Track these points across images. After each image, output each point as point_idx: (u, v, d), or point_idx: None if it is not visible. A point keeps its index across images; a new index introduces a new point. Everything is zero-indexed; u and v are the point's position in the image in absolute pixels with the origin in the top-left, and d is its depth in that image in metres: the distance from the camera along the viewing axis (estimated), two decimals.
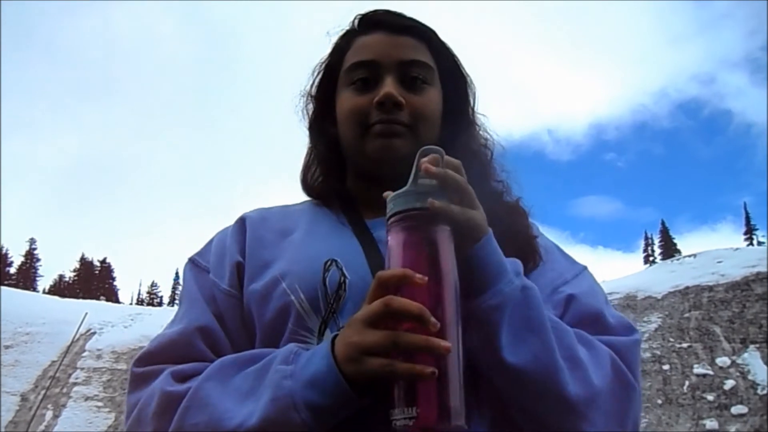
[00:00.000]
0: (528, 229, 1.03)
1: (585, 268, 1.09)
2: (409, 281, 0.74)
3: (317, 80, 1.11)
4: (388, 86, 0.98)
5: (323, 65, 1.11)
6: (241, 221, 1.08)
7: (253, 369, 0.84)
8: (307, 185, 1.12)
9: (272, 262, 0.98)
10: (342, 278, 0.91)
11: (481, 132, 1.10)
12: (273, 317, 0.92)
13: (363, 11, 1.08)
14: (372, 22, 1.06)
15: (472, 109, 1.10)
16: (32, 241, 57.05)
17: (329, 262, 0.92)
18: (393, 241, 0.80)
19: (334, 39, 1.11)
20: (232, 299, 0.98)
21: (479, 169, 1.02)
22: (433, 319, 0.73)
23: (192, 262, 1.08)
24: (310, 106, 1.12)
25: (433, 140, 0.99)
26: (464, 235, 0.82)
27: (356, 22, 1.09)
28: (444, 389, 0.73)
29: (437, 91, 1.04)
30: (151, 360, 0.96)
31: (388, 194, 0.82)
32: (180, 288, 1.13)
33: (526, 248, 0.98)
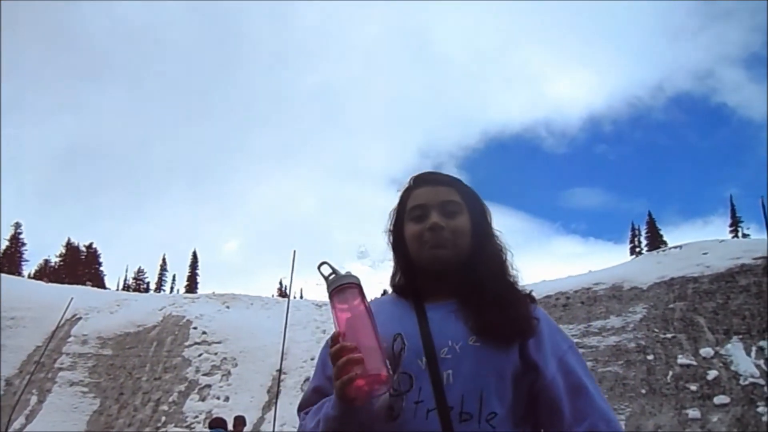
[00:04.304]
0: (530, 313, 1.56)
1: (573, 343, 1.61)
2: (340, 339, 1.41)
3: (393, 220, 1.73)
4: (434, 217, 1.60)
5: (395, 210, 1.74)
6: None
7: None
8: (394, 285, 1.72)
9: None
10: (401, 345, 1.51)
11: (498, 240, 1.68)
12: None
13: (416, 174, 1.75)
14: (421, 180, 1.71)
15: (490, 225, 1.69)
16: (18, 225, 56.52)
17: (396, 336, 1.53)
18: (334, 307, 1.48)
19: (400, 193, 1.74)
20: None
21: (497, 267, 1.62)
22: (348, 343, 1.37)
23: (327, 343, 1.60)
24: (390, 237, 1.73)
25: (465, 248, 1.60)
26: None
27: (411, 182, 1.72)
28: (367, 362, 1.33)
29: (466, 217, 1.63)
30: (299, 410, 1.64)
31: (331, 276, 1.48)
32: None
33: (527, 328, 1.51)
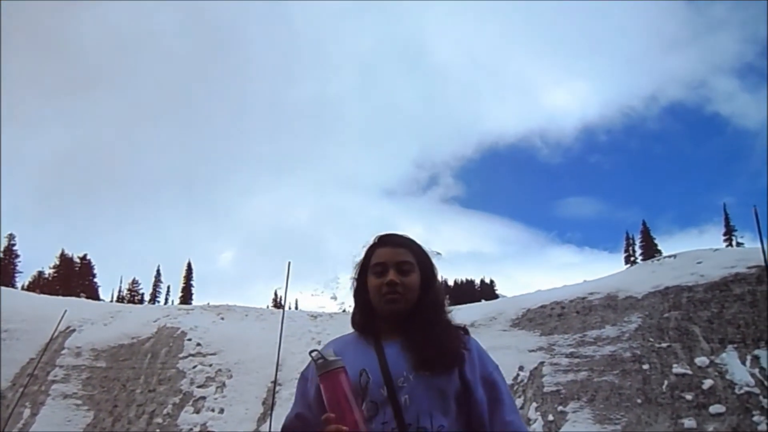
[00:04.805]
0: (462, 347, 1.99)
1: (497, 366, 2.09)
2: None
3: (358, 271, 2.14)
4: (391, 275, 2.01)
5: (360, 263, 2.14)
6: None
7: None
8: (354, 323, 2.12)
9: None
10: (367, 379, 1.90)
11: (440, 291, 2.10)
12: None
13: (381, 234, 2.15)
14: (383, 241, 2.12)
15: (435, 279, 2.11)
16: (11, 236, 56.25)
17: (361, 371, 1.91)
18: (323, 388, 1.82)
19: (365, 250, 2.15)
20: (317, 394, 1.93)
21: (432, 309, 2.04)
22: (343, 428, 1.72)
23: (302, 375, 2.11)
24: (355, 284, 2.14)
25: (414, 299, 2.02)
26: None
27: (376, 240, 2.14)
28: None
29: (417, 274, 2.05)
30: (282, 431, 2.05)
31: (319, 359, 1.84)
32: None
33: (459, 358, 1.95)
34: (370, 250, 2.13)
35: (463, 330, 2.07)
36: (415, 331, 1.96)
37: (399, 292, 2.00)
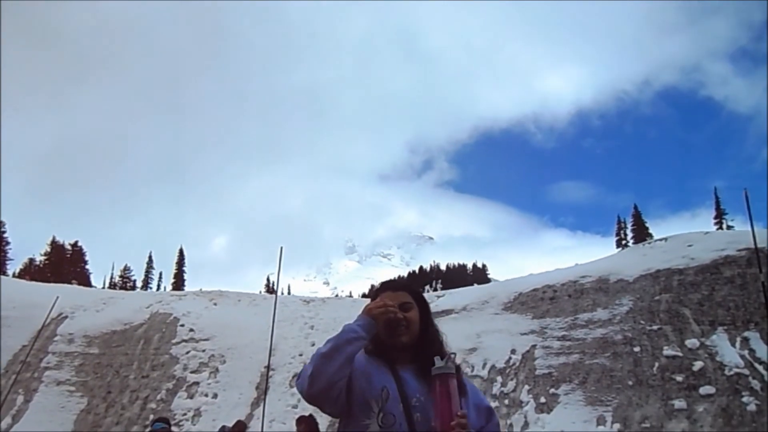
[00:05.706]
0: (460, 374, 2.36)
1: (485, 398, 2.58)
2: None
3: None
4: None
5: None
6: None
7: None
8: (366, 351, 2.45)
9: (361, 381, 2.34)
10: (387, 395, 2.28)
11: (436, 327, 2.55)
12: (362, 405, 2.32)
13: (383, 281, 2.74)
14: (385, 286, 2.61)
15: (431, 315, 2.57)
16: (1, 224, 55.91)
17: (383, 387, 2.30)
18: (438, 385, 2.21)
19: (374, 293, 2.63)
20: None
21: (435, 342, 2.48)
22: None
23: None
24: None
25: (416, 331, 2.45)
26: None
27: (380, 286, 2.65)
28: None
29: (416, 311, 2.50)
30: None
31: (437, 360, 2.24)
32: None
33: (462, 388, 2.34)
34: (375, 295, 2.63)
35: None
36: (425, 361, 2.35)
37: (403, 325, 2.46)
